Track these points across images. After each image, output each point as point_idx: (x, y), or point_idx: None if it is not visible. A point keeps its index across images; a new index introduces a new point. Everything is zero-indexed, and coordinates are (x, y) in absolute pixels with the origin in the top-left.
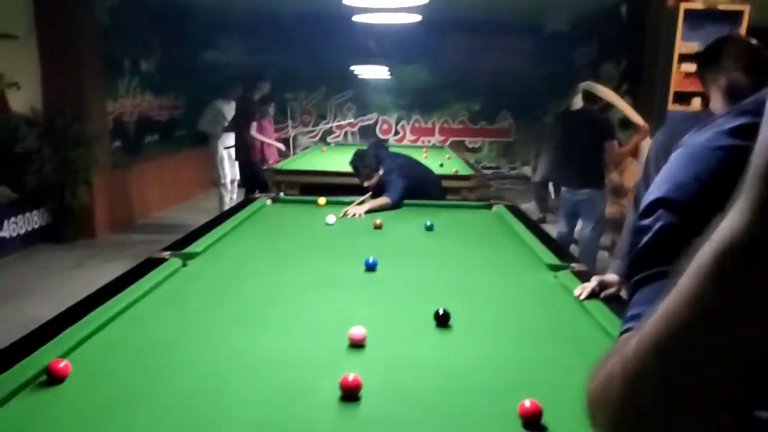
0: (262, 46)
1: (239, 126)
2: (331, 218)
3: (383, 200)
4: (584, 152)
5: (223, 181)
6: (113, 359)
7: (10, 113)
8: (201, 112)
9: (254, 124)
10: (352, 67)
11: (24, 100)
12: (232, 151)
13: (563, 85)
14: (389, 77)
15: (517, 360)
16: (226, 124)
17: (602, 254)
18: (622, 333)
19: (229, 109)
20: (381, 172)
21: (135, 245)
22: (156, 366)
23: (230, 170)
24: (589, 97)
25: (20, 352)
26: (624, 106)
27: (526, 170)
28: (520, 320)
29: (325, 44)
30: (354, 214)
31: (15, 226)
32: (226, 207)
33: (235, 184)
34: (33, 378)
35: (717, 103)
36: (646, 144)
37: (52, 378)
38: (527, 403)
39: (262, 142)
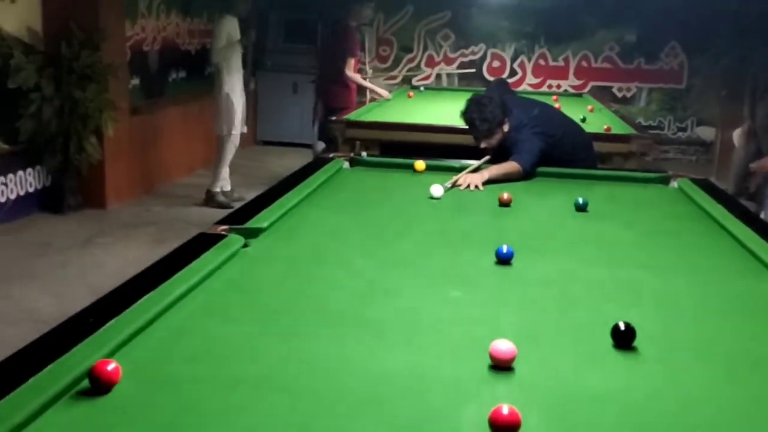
0: None
1: (332, 59)
2: (437, 189)
3: (510, 166)
4: None
5: (234, 132)
6: (161, 372)
7: (1, 35)
8: (240, 39)
9: (352, 61)
10: None
11: (19, 18)
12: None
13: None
14: None
15: (742, 402)
16: (241, 51)
17: None
18: None
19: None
20: (507, 127)
21: (158, 218)
22: (227, 379)
23: (241, 118)
24: None
25: (48, 350)
26: None
27: (703, 132)
28: (744, 346)
29: None
30: (469, 186)
31: (4, 189)
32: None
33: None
34: (70, 385)
35: None
36: None
37: (98, 385)
38: None
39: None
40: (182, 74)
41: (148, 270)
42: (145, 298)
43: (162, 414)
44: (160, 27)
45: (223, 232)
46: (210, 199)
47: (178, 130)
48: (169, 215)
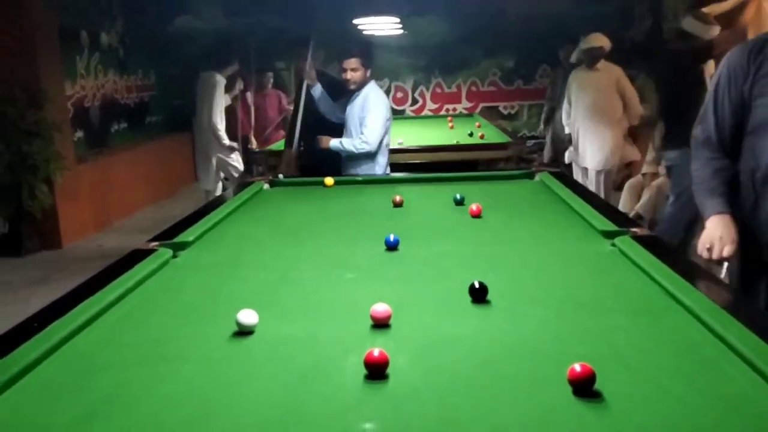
0: (243, 4)
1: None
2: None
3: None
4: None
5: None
6: (105, 355)
7: None
8: (176, 92)
9: None
10: (355, 21)
11: None
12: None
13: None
14: (402, 32)
15: (568, 333)
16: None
17: None
18: None
19: None
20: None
21: (109, 253)
22: (157, 357)
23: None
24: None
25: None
26: None
27: None
28: (570, 292)
29: None
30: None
31: None
32: None
33: None
34: (15, 377)
35: None
36: None
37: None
38: (577, 367)
39: None
40: (123, 125)
41: (88, 281)
42: (86, 301)
43: (95, 395)
44: (99, 85)
45: (154, 247)
46: None
47: (124, 175)
48: (120, 247)
